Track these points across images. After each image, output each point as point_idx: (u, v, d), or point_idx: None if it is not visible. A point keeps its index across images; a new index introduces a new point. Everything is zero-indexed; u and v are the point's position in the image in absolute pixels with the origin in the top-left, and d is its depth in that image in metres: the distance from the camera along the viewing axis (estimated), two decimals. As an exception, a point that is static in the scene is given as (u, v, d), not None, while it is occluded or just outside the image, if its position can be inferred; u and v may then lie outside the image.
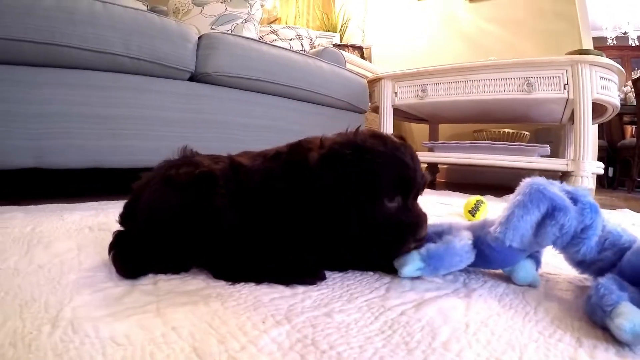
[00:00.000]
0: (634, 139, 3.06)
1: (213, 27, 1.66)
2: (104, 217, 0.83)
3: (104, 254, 0.53)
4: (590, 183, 1.61)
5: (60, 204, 0.97)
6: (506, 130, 2.08)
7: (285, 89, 1.46)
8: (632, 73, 4.37)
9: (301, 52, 1.69)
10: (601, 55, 1.77)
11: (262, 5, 1.91)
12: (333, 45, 2.67)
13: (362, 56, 2.77)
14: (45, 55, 0.96)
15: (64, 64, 1.00)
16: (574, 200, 0.46)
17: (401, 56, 2.99)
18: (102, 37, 1.02)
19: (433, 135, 2.52)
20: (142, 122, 1.11)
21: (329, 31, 3.14)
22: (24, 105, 0.94)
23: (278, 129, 1.45)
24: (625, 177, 3.14)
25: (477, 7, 2.71)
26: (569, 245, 0.46)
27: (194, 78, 1.24)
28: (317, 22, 3.40)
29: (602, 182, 3.46)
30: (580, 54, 1.83)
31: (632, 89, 3.07)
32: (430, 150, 2.09)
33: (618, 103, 1.73)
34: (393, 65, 2.87)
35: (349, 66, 2.31)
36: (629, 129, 3.97)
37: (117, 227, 0.54)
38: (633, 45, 5.45)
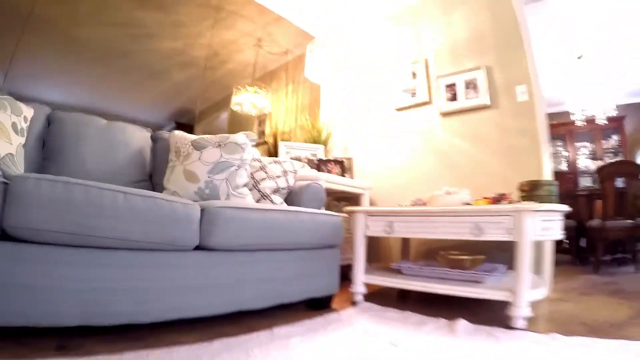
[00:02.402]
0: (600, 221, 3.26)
1: (210, 175, 1.95)
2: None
3: None
4: (526, 309, 1.83)
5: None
6: (463, 258, 2.37)
7: (272, 246, 1.77)
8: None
9: (284, 209, 1.95)
10: (554, 186, 2.11)
11: (252, 143, 2.22)
12: (317, 160, 3.01)
13: (343, 170, 3.11)
14: (80, 241, 1.23)
15: (95, 245, 1.26)
16: None
17: (381, 167, 3.33)
18: (124, 229, 1.29)
19: (405, 249, 2.80)
20: (159, 291, 1.40)
21: (314, 137, 3.51)
22: (67, 282, 1.21)
23: (261, 279, 1.73)
24: (593, 255, 3.33)
25: (449, 122, 3.05)
26: None
27: (199, 247, 1.52)
28: (303, 122, 3.80)
29: (576, 258, 3.68)
30: (533, 185, 2.18)
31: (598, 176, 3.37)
32: (397, 271, 2.35)
33: (557, 235, 2.05)
34: (375, 178, 3.22)
35: (331, 186, 2.64)
36: (598, 205, 4.14)
37: None
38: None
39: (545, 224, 1.95)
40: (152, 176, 2.22)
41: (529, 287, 1.90)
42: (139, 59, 4.35)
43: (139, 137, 2.23)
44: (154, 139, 2.31)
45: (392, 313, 2.09)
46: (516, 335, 1.71)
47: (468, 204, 2.18)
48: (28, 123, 1.72)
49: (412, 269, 2.31)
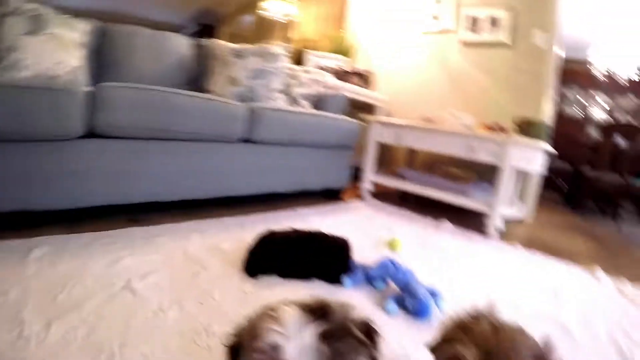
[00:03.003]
0: (593, 171, 3.43)
1: (250, 80, 2.28)
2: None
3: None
4: (499, 222, 2.31)
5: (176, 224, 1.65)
6: (457, 172, 2.77)
7: (301, 142, 2.19)
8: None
9: (312, 113, 2.33)
10: (545, 126, 2.43)
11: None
12: (341, 70, 3.28)
13: (364, 82, 3.38)
14: (156, 135, 1.60)
15: (167, 138, 1.65)
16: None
17: (399, 83, 3.57)
18: (191, 125, 1.68)
19: (411, 160, 3.21)
20: (212, 174, 1.84)
21: (340, 49, 3.72)
22: (142, 168, 1.60)
23: (289, 169, 2.20)
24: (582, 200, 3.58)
25: (467, 52, 3.21)
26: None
27: (244, 140, 1.93)
28: (330, 33, 3.94)
29: (566, 201, 3.90)
30: (526, 122, 2.49)
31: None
32: (401, 176, 2.79)
33: (537, 169, 2.42)
34: (393, 92, 3.49)
35: (352, 96, 2.97)
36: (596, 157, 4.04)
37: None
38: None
39: (528, 157, 2.30)
40: (197, 80, 2.54)
41: (505, 204, 2.33)
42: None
43: (182, 45, 2.36)
44: (195, 46, 2.58)
45: (392, 209, 2.58)
46: (487, 241, 2.20)
47: (468, 127, 2.50)
48: (86, 38, 1.85)
49: (413, 175, 2.74)
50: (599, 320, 1.37)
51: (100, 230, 1.43)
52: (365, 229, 2.05)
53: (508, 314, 0.61)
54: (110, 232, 1.44)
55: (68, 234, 1.36)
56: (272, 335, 0.43)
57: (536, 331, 0.58)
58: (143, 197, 1.62)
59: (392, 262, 1.34)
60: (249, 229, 1.68)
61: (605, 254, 2.32)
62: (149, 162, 1.60)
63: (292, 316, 0.44)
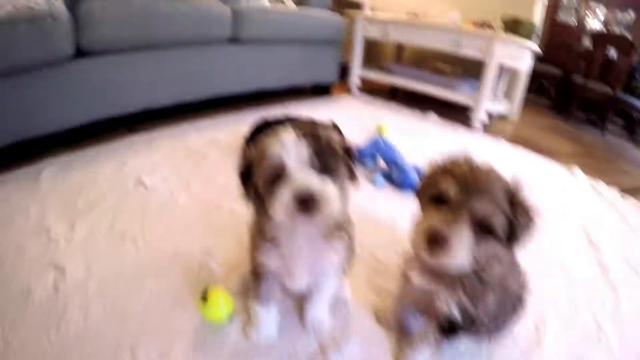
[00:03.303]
0: (584, 80, 3.35)
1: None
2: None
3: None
4: (483, 116, 2.39)
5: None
6: (444, 66, 2.76)
7: (286, 39, 2.18)
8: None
9: (296, 10, 2.28)
10: (532, 26, 2.37)
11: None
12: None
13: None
14: (142, 43, 1.58)
15: (155, 45, 1.63)
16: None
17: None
18: (176, 30, 1.66)
19: (398, 55, 3.16)
20: (204, 74, 1.86)
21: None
22: (134, 78, 1.60)
23: (277, 66, 2.22)
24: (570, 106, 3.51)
25: None
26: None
27: (231, 40, 1.92)
28: None
29: (555, 105, 3.82)
30: (514, 21, 2.43)
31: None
32: (388, 70, 2.79)
33: (522, 67, 2.44)
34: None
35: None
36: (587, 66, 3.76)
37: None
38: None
39: (514, 55, 2.29)
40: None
41: (490, 100, 2.37)
42: None
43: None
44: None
45: (380, 102, 2.65)
46: (471, 133, 2.30)
47: (456, 23, 2.44)
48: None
49: (400, 69, 2.75)
50: (570, 208, 1.52)
51: (101, 144, 1.49)
52: (354, 119, 2.16)
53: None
54: (111, 144, 1.50)
55: (73, 152, 1.40)
56: (277, 152, 0.54)
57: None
58: (138, 106, 1.65)
59: (382, 140, 1.45)
60: (242, 123, 1.77)
61: (587, 158, 2.33)
62: (138, 71, 1.61)
63: (289, 137, 0.54)
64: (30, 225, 0.98)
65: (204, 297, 0.75)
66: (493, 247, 0.56)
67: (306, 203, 0.52)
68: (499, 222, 0.54)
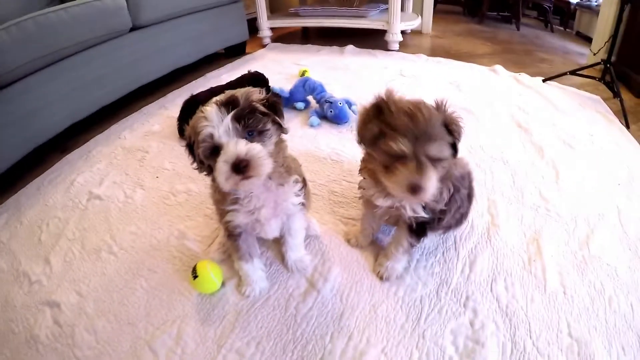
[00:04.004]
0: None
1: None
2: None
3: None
4: (399, 36, 2.48)
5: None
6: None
7: (187, 10, 2.13)
8: None
9: None
10: None
11: None
12: None
13: None
14: (50, 59, 1.48)
15: (62, 57, 1.53)
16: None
17: None
18: (76, 35, 1.55)
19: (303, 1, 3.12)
20: (118, 71, 1.80)
21: None
22: (54, 95, 1.52)
23: (186, 39, 2.18)
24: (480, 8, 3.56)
25: None
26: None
27: (134, 28, 1.85)
28: None
29: (465, 10, 3.92)
30: None
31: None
32: (295, 14, 2.78)
33: None
34: None
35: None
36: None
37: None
38: None
39: None
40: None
41: (400, 18, 2.44)
42: None
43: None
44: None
45: (296, 47, 2.67)
46: (391, 55, 2.39)
47: None
48: None
49: (307, 10, 2.75)
50: (498, 103, 1.66)
51: (40, 174, 1.43)
52: (276, 70, 2.19)
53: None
54: (49, 170, 1.45)
55: (15, 192, 1.34)
56: (204, 129, 0.60)
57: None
58: (60, 126, 1.58)
59: (308, 79, 1.52)
60: (170, 106, 1.80)
61: (506, 54, 2.48)
62: (51, 90, 1.52)
63: (213, 111, 0.61)
64: (8, 277, 0.97)
65: (194, 274, 0.82)
66: (445, 165, 0.67)
67: (240, 167, 0.60)
68: (448, 152, 0.65)
